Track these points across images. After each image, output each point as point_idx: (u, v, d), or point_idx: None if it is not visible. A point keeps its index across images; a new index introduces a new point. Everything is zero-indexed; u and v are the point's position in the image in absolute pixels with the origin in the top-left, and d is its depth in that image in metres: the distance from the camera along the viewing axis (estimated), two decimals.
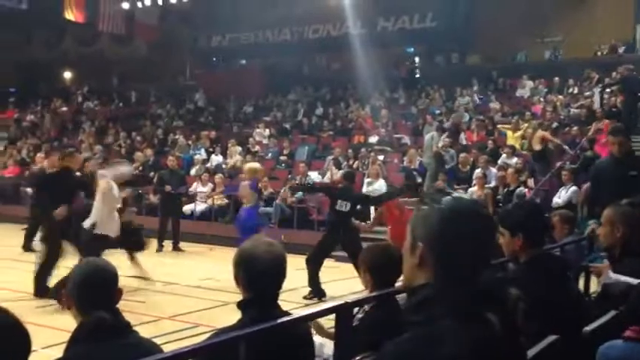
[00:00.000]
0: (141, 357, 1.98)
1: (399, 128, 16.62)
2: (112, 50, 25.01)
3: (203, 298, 7.82)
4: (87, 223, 7.25)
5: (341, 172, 11.62)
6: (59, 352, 2.13)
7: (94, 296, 2.14)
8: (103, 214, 7.28)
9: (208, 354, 2.04)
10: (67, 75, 28.65)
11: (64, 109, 23.60)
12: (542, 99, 16.50)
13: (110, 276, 2.21)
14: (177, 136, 17.95)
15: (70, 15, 23.15)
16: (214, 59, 25.94)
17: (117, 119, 21.97)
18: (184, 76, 25.92)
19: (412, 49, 23.26)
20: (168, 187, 11.82)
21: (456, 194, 1.43)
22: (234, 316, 6.42)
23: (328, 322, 2.71)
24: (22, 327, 1.70)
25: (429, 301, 1.34)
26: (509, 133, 13.91)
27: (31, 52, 25.37)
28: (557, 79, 17.21)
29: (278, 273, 2.30)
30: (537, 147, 11.84)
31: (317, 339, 2.70)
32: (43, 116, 22.92)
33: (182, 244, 11.82)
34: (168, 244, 11.76)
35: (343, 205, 8.17)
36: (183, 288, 8.27)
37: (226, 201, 13.35)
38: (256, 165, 9.89)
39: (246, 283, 2.30)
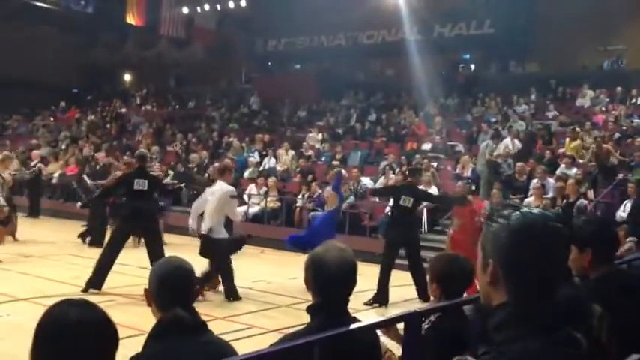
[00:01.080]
0: (216, 356, 2.03)
1: (453, 136, 16.41)
2: (171, 54, 25.66)
3: (255, 300, 7.91)
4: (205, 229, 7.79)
5: (406, 168, 11.83)
6: (123, 347, 2.18)
7: (172, 294, 2.19)
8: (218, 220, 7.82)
9: (278, 357, 2.07)
10: (127, 77, 29.54)
11: (124, 110, 24.32)
12: (603, 108, 16.02)
13: (187, 274, 2.26)
14: (231, 139, 18.23)
15: (132, 19, 23.89)
16: (269, 63, 26.24)
17: (173, 121, 22.49)
18: (240, 79, 26.32)
19: (468, 56, 22.96)
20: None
21: (525, 208, 1.39)
22: (285, 319, 6.48)
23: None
24: (111, 322, 1.75)
25: (509, 320, 1.32)
26: (567, 141, 13.57)
27: (95, 55, 26.26)
28: (619, 88, 16.66)
29: (348, 278, 2.30)
30: (613, 160, 11.57)
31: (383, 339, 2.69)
32: (105, 117, 23.69)
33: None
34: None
35: (406, 201, 8.28)
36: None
37: (278, 204, 13.48)
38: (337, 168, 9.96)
39: (315, 287, 2.31)
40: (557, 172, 12.10)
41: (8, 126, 24.09)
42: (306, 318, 2.38)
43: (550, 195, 11.07)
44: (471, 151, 14.57)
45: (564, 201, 10.43)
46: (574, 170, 11.84)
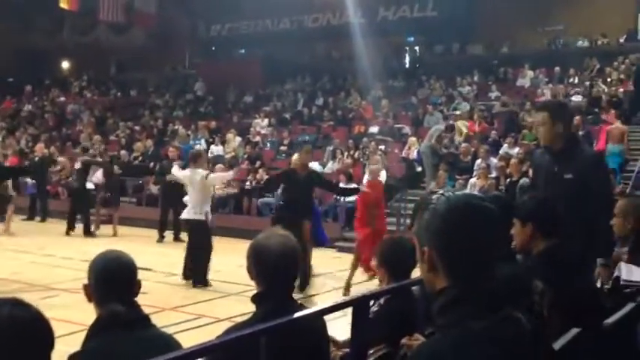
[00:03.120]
0: (156, 350, 1.96)
1: (400, 118, 16.58)
2: (110, 39, 24.86)
3: (204, 289, 7.82)
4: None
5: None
6: (66, 344, 2.10)
7: (109, 288, 2.11)
8: None
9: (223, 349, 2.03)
10: (65, 65, 28.50)
11: (63, 99, 23.48)
12: (542, 89, 16.47)
13: (126, 268, 2.18)
14: (176, 126, 17.88)
15: (66, 4, 22.99)
16: (213, 48, 25.82)
17: (115, 109, 21.88)
18: (183, 65, 25.79)
19: (412, 39, 23.17)
20: (168, 178, 11.78)
21: (449, 192, 1.40)
22: (236, 307, 6.45)
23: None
24: (44, 320, 1.68)
25: (450, 303, 1.33)
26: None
27: (30, 42, 25.20)
28: (557, 68, 17.16)
29: (290, 265, 2.27)
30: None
31: None
32: (42, 107, 22.82)
33: (183, 235, 11.78)
34: (169, 234, 11.75)
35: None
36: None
37: (227, 192, 13.31)
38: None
39: (259, 275, 2.28)
40: (500, 151, 12.40)
41: None
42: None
43: (494, 175, 11.34)
44: (418, 133, 14.75)
45: (508, 180, 10.70)
46: (516, 149, 12.14)
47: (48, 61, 27.04)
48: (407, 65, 21.95)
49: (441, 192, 1.41)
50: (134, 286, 2.18)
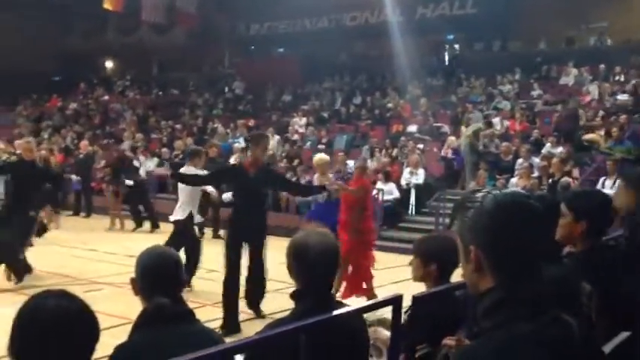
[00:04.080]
0: (200, 345, 1.99)
1: (439, 117, 16.42)
2: (152, 39, 25.32)
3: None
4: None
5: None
6: (111, 336, 2.15)
7: (155, 283, 2.16)
8: None
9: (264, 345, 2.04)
10: (109, 64, 29.16)
11: (106, 98, 24.03)
12: (587, 87, 16.08)
13: (172, 263, 2.22)
14: (216, 125, 18.10)
15: (109, 5, 23.49)
16: (252, 47, 26.02)
17: (157, 108, 22.27)
18: (223, 64, 26.07)
19: (452, 37, 22.90)
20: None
21: (494, 190, 1.37)
22: (275, 304, 6.47)
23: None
24: (89, 312, 1.73)
25: (496, 305, 1.31)
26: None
27: (73, 43, 25.86)
28: (602, 66, 16.72)
29: (331, 264, 2.28)
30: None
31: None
32: (87, 105, 23.39)
33: (222, 232, 11.90)
34: (208, 231, 11.90)
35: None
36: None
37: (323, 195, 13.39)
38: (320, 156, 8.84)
39: (299, 273, 2.29)
40: (543, 150, 12.16)
41: None
42: (292, 303, 2.35)
43: (535, 174, 11.13)
44: (456, 132, 14.59)
45: (550, 179, 10.49)
46: (559, 149, 11.89)
47: (92, 61, 27.71)
48: (446, 63, 21.70)
49: (486, 190, 1.38)
50: (179, 281, 2.22)
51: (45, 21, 25.02)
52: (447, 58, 22.23)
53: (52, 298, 1.71)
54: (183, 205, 7.70)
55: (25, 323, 1.67)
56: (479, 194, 1.38)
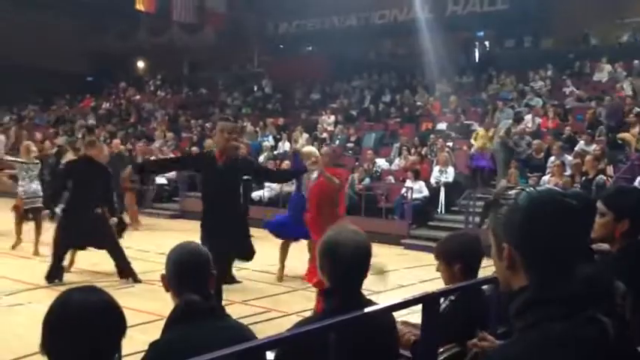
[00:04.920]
0: (233, 340, 2.02)
1: (469, 114, 16.26)
2: (182, 39, 25.61)
3: (273, 284, 7.92)
4: None
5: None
6: (144, 333, 2.18)
7: (185, 279, 2.19)
8: None
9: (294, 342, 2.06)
10: (141, 65, 29.59)
11: (138, 97, 24.38)
12: (621, 83, 15.74)
13: (202, 260, 2.25)
14: (245, 124, 18.22)
15: (142, 6, 23.83)
16: (281, 46, 26.12)
17: (187, 107, 22.51)
18: (252, 63, 26.24)
19: (482, 33, 22.65)
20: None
21: (529, 187, 1.35)
22: (303, 302, 6.45)
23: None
24: (116, 307, 1.76)
25: (529, 304, 1.29)
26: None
27: (107, 43, 26.31)
28: (637, 62, 16.34)
29: (363, 263, 2.28)
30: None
31: None
32: (119, 105, 23.78)
33: (251, 230, 11.97)
34: None
35: None
36: (254, 273, 8.37)
37: (294, 187, 13.44)
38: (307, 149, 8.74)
39: (331, 271, 2.29)
40: (576, 148, 11.96)
41: (24, 116, 24.28)
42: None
43: (568, 172, 10.95)
44: (488, 130, 14.41)
45: (583, 177, 10.30)
46: (593, 146, 11.68)
47: (124, 61, 28.16)
48: (476, 60, 21.47)
49: (519, 187, 1.37)
50: (209, 278, 2.25)
51: (79, 22, 25.51)
52: (477, 55, 22.00)
53: (79, 292, 1.76)
54: None
55: (53, 318, 1.71)
56: (512, 191, 1.37)
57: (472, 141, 13.45)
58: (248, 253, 5.87)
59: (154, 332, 2.25)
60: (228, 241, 5.23)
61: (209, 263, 2.28)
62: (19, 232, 9.44)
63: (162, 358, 2.11)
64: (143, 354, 2.15)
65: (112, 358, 1.71)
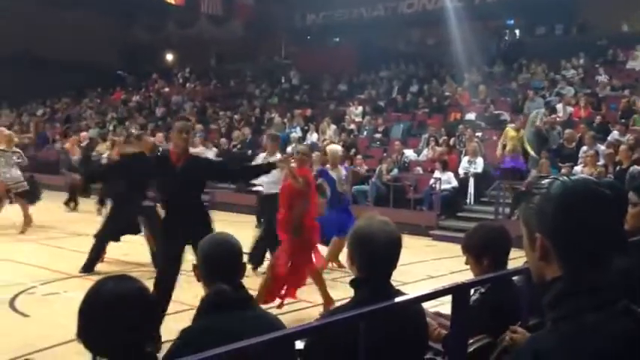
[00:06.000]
0: (263, 329, 2.04)
1: (498, 104, 16.04)
2: (210, 31, 25.77)
3: None
4: None
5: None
6: (176, 322, 2.22)
7: (216, 269, 2.22)
8: None
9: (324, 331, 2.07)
10: (170, 57, 29.87)
11: (167, 89, 24.63)
12: None
13: (232, 250, 2.28)
14: (272, 115, 18.27)
15: None
16: (308, 37, 26.08)
17: (215, 99, 22.66)
18: (279, 55, 26.27)
19: (512, 21, 22.28)
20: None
21: (562, 177, 1.33)
22: (331, 293, 6.43)
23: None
24: (148, 294, 1.80)
25: (565, 294, 1.27)
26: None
27: (136, 36, 26.63)
28: None
29: (394, 254, 2.28)
30: None
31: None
32: (149, 97, 24.05)
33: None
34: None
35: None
36: None
37: (320, 179, 13.46)
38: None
39: (362, 263, 2.29)
40: (609, 138, 11.72)
41: (57, 109, 24.75)
42: (350, 292, 2.37)
43: (601, 162, 10.74)
44: (518, 120, 14.21)
45: (617, 167, 10.10)
46: (627, 136, 11.43)
47: (153, 54, 28.45)
48: (506, 49, 21.14)
49: (552, 176, 1.35)
50: (240, 268, 2.27)
51: (110, 16, 25.85)
52: (506, 43, 21.66)
53: (113, 281, 1.80)
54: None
55: (88, 306, 1.76)
56: (545, 180, 1.35)
57: (501, 141, 12.67)
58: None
59: (187, 321, 2.28)
60: (183, 242, 4.89)
61: (240, 254, 2.30)
62: None
63: (192, 345, 2.14)
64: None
65: (147, 346, 1.74)
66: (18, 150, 10.39)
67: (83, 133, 17.67)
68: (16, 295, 6.31)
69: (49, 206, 12.13)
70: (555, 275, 1.30)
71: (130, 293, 1.74)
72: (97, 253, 7.60)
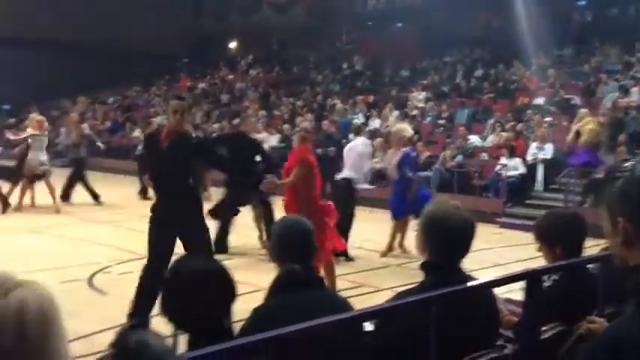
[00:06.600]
0: (333, 309, 2.07)
1: (569, 88, 15.46)
2: (273, 19, 25.97)
3: (365, 259, 7.98)
4: None
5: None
6: (244, 302, 2.27)
7: (287, 250, 2.27)
8: None
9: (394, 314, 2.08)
10: (233, 45, 30.33)
11: (231, 77, 25.04)
12: None
13: (303, 232, 2.32)
14: (335, 101, 18.28)
15: None
16: (370, 23, 25.86)
17: (278, 86, 22.87)
18: (341, 41, 26.20)
19: (583, 2, 21.37)
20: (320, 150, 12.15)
21: None
22: (395, 278, 6.45)
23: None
24: (227, 272, 1.87)
25: None
26: None
27: (201, 24, 27.18)
28: None
29: (468, 237, 2.27)
30: None
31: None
32: (214, 84, 24.54)
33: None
34: None
35: None
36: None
37: (383, 165, 13.39)
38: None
39: (434, 246, 2.28)
40: None
41: (128, 96, 25.62)
42: (416, 278, 2.37)
43: None
44: (589, 104, 13.68)
45: None
46: None
47: (217, 42, 28.95)
48: (576, 31, 20.30)
49: (636, 159, 1.31)
50: (311, 249, 2.32)
51: (176, 6, 26.49)
52: (577, 25, 20.79)
53: (194, 260, 1.88)
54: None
55: (172, 283, 1.85)
56: (628, 163, 1.31)
57: (574, 127, 11.79)
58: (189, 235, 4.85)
59: (254, 302, 2.34)
60: (174, 230, 4.76)
61: (312, 236, 2.34)
62: (23, 195, 10.63)
63: (263, 323, 2.20)
64: (243, 322, 2.25)
65: (225, 322, 1.81)
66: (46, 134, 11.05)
67: (154, 120, 18.21)
68: (94, 274, 6.63)
69: (120, 190, 12.62)
70: (638, 261, 1.26)
71: (211, 270, 1.81)
72: (224, 231, 7.90)
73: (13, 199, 10.66)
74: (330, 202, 6.30)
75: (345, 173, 8.15)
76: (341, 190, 8.19)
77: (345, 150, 8.53)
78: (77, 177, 11.66)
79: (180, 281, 1.81)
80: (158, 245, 4.78)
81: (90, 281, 6.42)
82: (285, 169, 6.06)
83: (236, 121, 10.01)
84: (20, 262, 6.55)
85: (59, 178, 11.50)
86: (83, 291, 6.00)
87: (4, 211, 10.43)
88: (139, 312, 4.57)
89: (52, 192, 10.68)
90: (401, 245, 8.10)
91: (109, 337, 4.69)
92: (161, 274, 4.09)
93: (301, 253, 2.27)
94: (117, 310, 4.75)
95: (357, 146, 8.35)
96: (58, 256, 7.46)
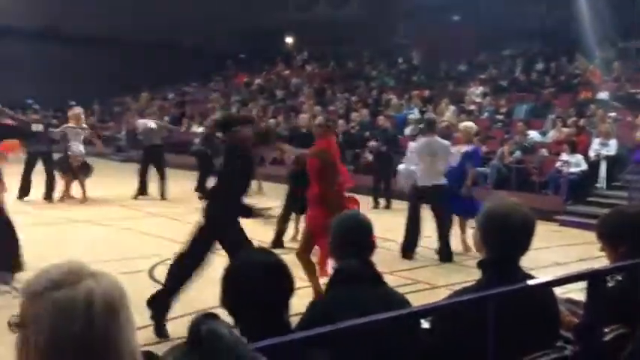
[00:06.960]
0: (392, 306, 2.09)
1: (634, 82, 14.87)
2: (329, 14, 26.01)
3: (421, 256, 7.92)
4: None
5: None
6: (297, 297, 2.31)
7: (345, 245, 2.30)
8: None
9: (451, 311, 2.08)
10: (289, 40, 30.55)
11: (287, 72, 25.24)
12: None
13: (363, 227, 2.35)
14: (390, 96, 18.17)
15: None
16: (426, 17, 25.53)
17: (334, 81, 22.90)
18: (397, 35, 25.99)
19: None
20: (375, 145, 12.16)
21: None
22: (452, 276, 6.39)
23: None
24: (286, 266, 1.91)
25: None
26: None
27: (258, 20, 27.50)
28: None
29: (528, 235, 2.24)
30: None
31: None
32: (270, 80, 24.81)
33: (395, 203, 12.00)
34: (382, 201, 12.08)
35: None
36: (399, 245, 8.43)
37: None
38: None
39: (494, 243, 2.26)
40: None
41: (186, 92, 26.22)
42: (473, 275, 2.35)
43: None
44: None
45: None
46: None
47: (274, 38, 29.23)
48: None
49: None
50: (369, 244, 2.34)
51: (234, 1, 26.93)
52: None
53: (256, 253, 1.93)
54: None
55: (233, 275, 1.89)
56: None
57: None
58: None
59: (307, 297, 2.39)
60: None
61: (370, 231, 2.37)
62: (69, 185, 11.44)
63: (320, 317, 2.24)
64: (300, 316, 2.29)
65: (283, 315, 1.86)
66: (85, 126, 11.74)
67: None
68: (154, 266, 6.84)
69: (177, 184, 12.95)
70: None
71: (270, 264, 1.86)
72: (282, 225, 8.07)
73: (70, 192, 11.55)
74: (355, 197, 6.42)
75: (441, 180, 7.93)
76: (440, 195, 7.97)
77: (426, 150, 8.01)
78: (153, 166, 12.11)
79: (242, 272, 1.86)
80: (202, 244, 4.80)
81: (151, 272, 6.63)
82: (309, 168, 6.01)
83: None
84: (87, 252, 6.85)
85: (117, 171, 12.00)
86: (144, 282, 6.20)
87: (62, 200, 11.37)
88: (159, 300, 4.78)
89: (82, 185, 11.37)
90: (463, 242, 8.06)
91: (169, 327, 4.84)
92: (188, 271, 4.64)
93: (358, 248, 2.30)
94: (176, 301, 4.89)
95: (445, 147, 7.90)
96: (121, 248, 7.74)
